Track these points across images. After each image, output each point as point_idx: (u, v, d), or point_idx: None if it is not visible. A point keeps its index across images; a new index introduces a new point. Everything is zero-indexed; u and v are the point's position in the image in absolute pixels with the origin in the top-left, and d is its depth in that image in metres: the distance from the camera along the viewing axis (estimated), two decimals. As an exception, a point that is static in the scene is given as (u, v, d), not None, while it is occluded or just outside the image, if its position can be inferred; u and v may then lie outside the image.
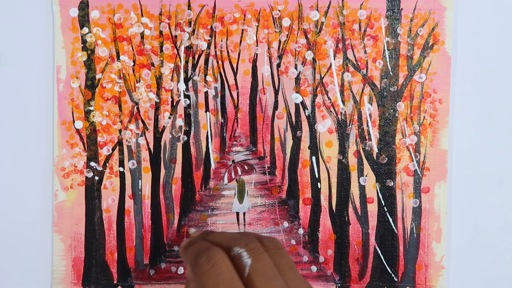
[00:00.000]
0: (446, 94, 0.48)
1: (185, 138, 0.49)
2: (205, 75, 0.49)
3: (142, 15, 0.48)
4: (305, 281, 0.36)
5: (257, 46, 0.48)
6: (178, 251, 0.39)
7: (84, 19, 0.48)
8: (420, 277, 0.48)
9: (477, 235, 0.49)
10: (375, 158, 0.49)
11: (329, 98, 0.49)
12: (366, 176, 0.49)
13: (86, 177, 0.48)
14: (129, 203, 0.49)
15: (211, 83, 0.49)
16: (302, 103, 0.49)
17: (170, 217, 0.49)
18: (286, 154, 0.49)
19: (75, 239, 0.48)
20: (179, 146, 0.49)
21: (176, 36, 0.48)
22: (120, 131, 0.48)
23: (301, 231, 0.49)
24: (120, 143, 0.48)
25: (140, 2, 0.48)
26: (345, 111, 0.49)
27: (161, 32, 0.48)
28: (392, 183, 0.49)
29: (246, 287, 0.34)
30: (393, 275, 0.48)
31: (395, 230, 0.48)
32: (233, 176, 0.49)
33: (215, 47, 0.48)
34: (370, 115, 0.49)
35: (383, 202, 0.49)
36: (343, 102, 0.49)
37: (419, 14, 0.48)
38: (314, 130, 0.49)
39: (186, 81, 0.49)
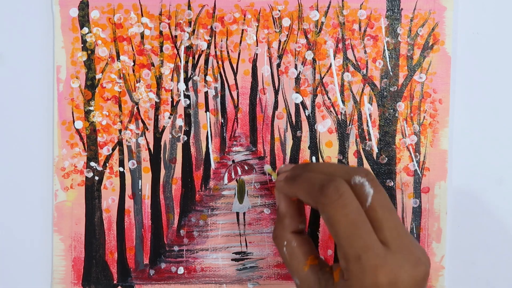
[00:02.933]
0: (446, 94, 0.48)
1: (185, 138, 0.49)
2: (205, 75, 0.49)
3: (142, 15, 0.48)
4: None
5: (257, 46, 0.49)
6: (276, 184, 0.38)
7: (84, 19, 0.48)
8: (420, 277, 0.48)
9: (477, 235, 0.49)
10: (375, 158, 0.49)
11: (329, 98, 0.49)
12: (366, 176, 0.49)
13: (86, 177, 0.48)
14: (129, 203, 0.49)
15: (211, 83, 0.49)
16: (302, 103, 0.49)
17: (170, 217, 0.49)
18: (286, 154, 0.49)
19: (75, 239, 0.48)
20: (179, 146, 0.49)
21: (176, 36, 0.48)
22: (120, 131, 0.48)
23: (301, 231, 0.49)
24: (120, 143, 0.49)
25: (140, 2, 0.48)
26: (345, 111, 0.49)
27: (161, 32, 0.48)
28: (392, 183, 0.49)
29: (367, 217, 0.33)
30: (393, 275, 0.48)
31: (395, 230, 0.48)
32: (233, 176, 0.49)
33: (215, 47, 0.48)
34: (370, 115, 0.49)
35: (383, 202, 0.49)
36: (343, 102, 0.49)
37: (419, 14, 0.48)
38: (314, 130, 0.49)
39: (186, 81, 0.49)
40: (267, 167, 0.43)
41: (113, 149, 0.49)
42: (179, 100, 0.49)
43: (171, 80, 0.48)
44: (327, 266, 0.36)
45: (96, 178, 0.49)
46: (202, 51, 0.48)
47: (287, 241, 0.37)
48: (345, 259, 0.32)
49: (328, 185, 0.33)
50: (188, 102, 0.49)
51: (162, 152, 0.49)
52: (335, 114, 0.49)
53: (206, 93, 0.49)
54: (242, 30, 0.48)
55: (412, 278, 0.32)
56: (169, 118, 0.49)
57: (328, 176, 0.34)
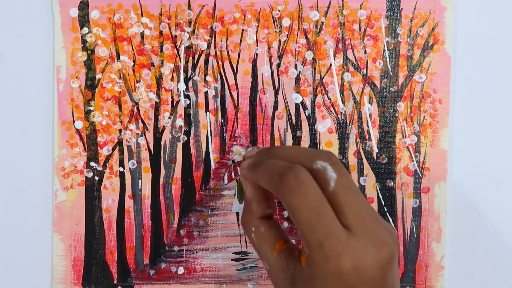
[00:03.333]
0: (446, 94, 0.48)
1: (185, 138, 0.49)
2: (205, 75, 0.49)
3: (142, 15, 0.48)
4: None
5: (257, 46, 0.48)
6: (240, 171, 0.38)
7: (84, 19, 0.48)
8: (420, 277, 0.48)
9: (477, 235, 0.49)
10: (375, 158, 0.49)
11: (329, 98, 0.49)
12: (366, 176, 0.49)
13: (86, 177, 0.48)
14: (129, 203, 0.49)
15: (211, 83, 0.49)
16: (302, 103, 0.49)
17: (170, 217, 0.49)
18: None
19: (75, 239, 0.48)
20: (179, 146, 0.49)
21: (176, 36, 0.48)
22: (120, 131, 0.48)
23: (301, 231, 0.49)
24: (120, 143, 0.49)
25: (140, 2, 0.48)
26: (345, 111, 0.49)
27: (161, 32, 0.48)
28: (392, 183, 0.49)
29: (330, 202, 0.33)
30: (393, 275, 0.48)
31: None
32: (233, 176, 0.49)
33: (215, 47, 0.48)
34: (370, 115, 0.49)
35: (383, 202, 0.49)
36: (343, 102, 0.49)
37: (419, 14, 0.48)
38: (314, 130, 0.49)
39: (186, 81, 0.49)
40: (236, 148, 0.42)
41: (113, 149, 0.49)
42: (179, 100, 0.49)
43: (171, 80, 0.48)
44: (297, 249, 0.35)
45: (96, 178, 0.49)
46: (202, 51, 0.48)
47: (255, 227, 0.36)
48: (308, 247, 0.32)
49: (287, 173, 0.32)
50: (188, 102, 0.49)
51: (162, 152, 0.49)
52: (335, 114, 0.49)
53: (206, 93, 0.49)
54: (242, 30, 0.48)
55: (376, 261, 0.31)
56: (169, 118, 0.49)
57: (288, 164, 0.34)
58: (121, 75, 0.48)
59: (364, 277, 0.31)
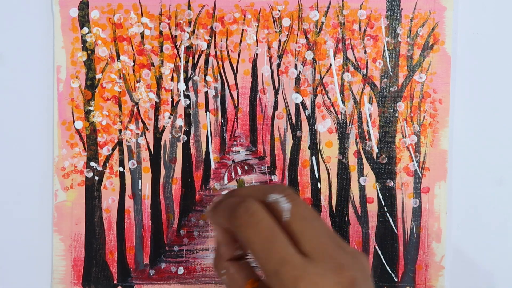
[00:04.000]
0: (446, 94, 0.48)
1: (185, 138, 0.49)
2: (205, 75, 0.49)
3: (142, 15, 0.48)
4: (332, 230, 0.36)
5: (257, 46, 0.48)
6: (205, 213, 0.39)
7: (84, 19, 0.48)
8: (420, 277, 0.48)
9: (477, 235, 0.49)
10: (375, 158, 0.49)
11: (329, 98, 0.49)
12: (366, 176, 0.49)
13: (86, 177, 0.48)
14: (129, 203, 0.49)
15: (211, 83, 0.49)
16: (302, 103, 0.49)
17: (170, 217, 0.49)
18: (286, 154, 0.49)
19: (75, 239, 0.48)
20: (179, 146, 0.49)
21: (176, 36, 0.48)
22: (120, 131, 0.48)
23: (301, 231, 0.49)
24: (120, 143, 0.49)
25: (140, 2, 0.48)
26: (345, 111, 0.49)
27: (161, 32, 0.48)
28: (392, 183, 0.49)
29: (286, 232, 0.33)
30: (393, 275, 0.48)
31: (395, 230, 0.48)
32: (233, 176, 0.49)
33: (215, 47, 0.48)
34: (370, 115, 0.49)
35: (383, 202, 0.49)
36: (343, 102, 0.49)
37: (419, 14, 0.48)
38: (314, 130, 0.49)
39: (186, 81, 0.49)
40: (217, 186, 0.44)
41: (113, 149, 0.49)
42: (179, 100, 0.49)
43: (171, 80, 0.48)
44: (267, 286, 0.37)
45: (96, 178, 0.49)
46: (202, 51, 0.48)
47: (225, 269, 0.37)
48: (266, 276, 0.33)
49: (239, 206, 0.34)
50: (188, 102, 0.49)
51: (162, 152, 0.49)
52: (335, 114, 0.49)
53: (206, 93, 0.49)
54: (242, 30, 0.48)
55: (335, 286, 0.32)
56: (169, 118, 0.49)
57: (241, 198, 0.35)
58: (121, 75, 0.48)
59: None
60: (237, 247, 0.38)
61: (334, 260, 0.33)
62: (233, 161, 0.49)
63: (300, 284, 0.31)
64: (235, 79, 0.49)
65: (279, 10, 0.48)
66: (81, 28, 0.48)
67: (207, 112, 0.49)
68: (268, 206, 0.34)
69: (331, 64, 0.48)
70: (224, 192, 0.40)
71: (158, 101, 0.48)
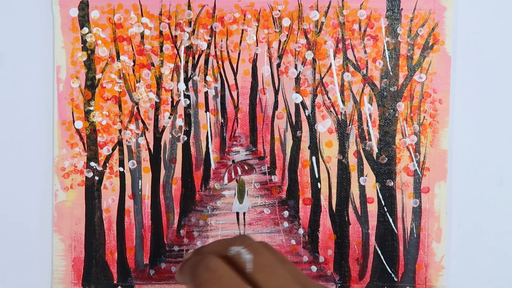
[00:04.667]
0: (446, 94, 0.48)
1: (185, 138, 0.49)
2: (205, 75, 0.49)
3: (142, 15, 0.48)
4: (300, 272, 0.36)
5: (257, 46, 0.49)
6: (175, 275, 0.39)
7: (84, 19, 0.48)
8: (420, 277, 0.48)
9: (477, 235, 0.49)
10: (375, 158, 0.49)
11: (329, 98, 0.49)
12: (366, 176, 0.49)
13: (86, 177, 0.48)
14: (129, 203, 0.49)
15: (211, 83, 0.49)
16: (302, 103, 0.49)
17: (170, 217, 0.49)
18: (286, 154, 0.49)
19: (75, 239, 0.48)
20: (179, 146, 0.49)
21: (176, 36, 0.48)
22: (120, 131, 0.48)
23: (301, 231, 0.49)
24: (120, 143, 0.49)
25: (140, 2, 0.48)
26: (345, 111, 0.49)
27: (161, 32, 0.48)
28: (392, 183, 0.49)
29: (251, 284, 0.33)
30: (393, 275, 0.48)
31: (395, 230, 0.48)
32: (233, 176, 0.49)
33: (215, 47, 0.48)
34: (370, 115, 0.49)
35: (383, 202, 0.49)
36: (343, 102, 0.49)
37: (419, 14, 0.48)
38: (314, 130, 0.49)
39: (186, 81, 0.49)
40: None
41: (113, 149, 0.49)
42: (179, 100, 0.49)
43: (171, 80, 0.48)
44: None
45: (96, 178, 0.49)
46: (202, 51, 0.48)
47: None
48: None
49: (198, 265, 0.34)
50: (188, 102, 0.49)
51: (162, 152, 0.49)
52: (335, 114, 0.49)
53: (206, 93, 0.49)
54: (242, 30, 0.48)
55: None
56: (169, 118, 0.49)
57: (200, 256, 0.35)
58: (121, 75, 0.48)
59: None
60: None
61: None
62: (233, 161, 0.49)
63: None
64: (235, 79, 0.49)
65: (279, 10, 0.48)
66: (81, 28, 0.48)
67: (207, 112, 0.49)
68: (231, 260, 0.34)
69: (331, 64, 0.48)
70: (190, 251, 0.41)
71: (158, 101, 0.48)
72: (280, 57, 0.49)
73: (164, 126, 0.49)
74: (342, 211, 0.49)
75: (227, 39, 0.48)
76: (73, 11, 0.48)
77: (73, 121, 0.48)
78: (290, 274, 0.34)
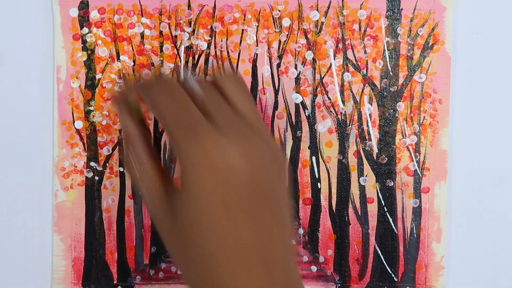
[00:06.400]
0: (446, 94, 0.48)
1: (185, 138, 0.49)
2: (205, 75, 0.48)
3: (142, 15, 0.48)
4: (257, 112, 0.35)
5: (257, 46, 0.49)
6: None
7: (84, 19, 0.48)
8: (420, 277, 0.48)
9: (477, 235, 0.49)
10: (375, 158, 0.49)
11: (329, 98, 0.49)
12: (366, 176, 0.49)
13: (86, 177, 0.48)
14: (129, 203, 0.49)
15: (211, 83, 0.49)
16: (302, 103, 0.49)
17: (170, 217, 0.49)
18: (286, 154, 0.49)
19: (75, 239, 0.48)
20: (179, 146, 0.49)
21: (176, 36, 0.48)
22: (120, 131, 0.48)
23: (301, 231, 0.49)
24: (120, 143, 0.49)
25: (140, 3, 0.48)
26: (345, 111, 0.49)
27: (161, 32, 0.48)
28: (392, 183, 0.49)
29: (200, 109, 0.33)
30: (393, 275, 0.48)
31: (395, 230, 0.48)
32: (233, 176, 0.49)
33: (215, 47, 0.48)
34: (370, 115, 0.49)
35: (383, 202, 0.49)
36: (343, 102, 0.49)
37: (419, 14, 0.48)
38: (314, 130, 0.49)
39: (186, 81, 0.48)
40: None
41: (113, 149, 0.49)
42: (179, 100, 0.49)
43: (171, 80, 0.48)
44: None
45: (96, 178, 0.49)
46: (202, 51, 0.48)
47: (138, 163, 0.36)
48: (177, 149, 0.32)
49: (154, 79, 0.34)
50: (188, 102, 0.49)
51: (162, 152, 0.49)
52: (335, 114, 0.49)
53: (206, 93, 0.49)
54: (242, 30, 0.48)
55: (243, 156, 0.31)
56: (169, 118, 0.49)
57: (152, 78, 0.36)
58: (121, 75, 0.48)
59: (236, 173, 0.31)
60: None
61: (245, 136, 0.32)
62: (233, 161, 0.49)
63: (207, 150, 0.31)
64: (235, 79, 0.49)
65: (279, 10, 0.48)
66: (81, 28, 0.48)
67: (207, 112, 0.49)
68: (183, 86, 0.34)
69: (331, 64, 0.48)
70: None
71: (158, 101, 0.48)
72: (280, 57, 0.49)
73: (164, 126, 0.49)
74: (342, 211, 0.49)
75: (227, 39, 0.48)
76: (73, 11, 0.48)
77: (73, 121, 0.48)
78: (241, 111, 0.34)
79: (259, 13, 0.48)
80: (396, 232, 0.48)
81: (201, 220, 0.31)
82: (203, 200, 0.31)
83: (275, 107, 0.49)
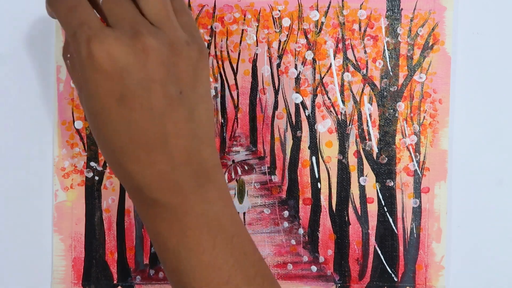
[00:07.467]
0: (446, 94, 0.48)
1: (185, 138, 0.49)
2: None
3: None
4: (166, 9, 0.35)
5: (257, 46, 0.49)
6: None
7: (84, 19, 0.48)
8: (420, 277, 0.48)
9: (477, 235, 0.49)
10: (375, 158, 0.49)
11: (329, 98, 0.49)
12: (366, 176, 0.49)
13: (86, 177, 0.48)
14: (129, 203, 0.49)
15: (211, 83, 0.49)
16: (302, 103, 0.49)
17: (170, 217, 0.49)
18: (286, 154, 0.49)
19: (75, 239, 0.48)
20: (179, 146, 0.49)
21: (176, 36, 0.48)
22: (120, 131, 0.48)
23: (301, 231, 0.49)
24: (120, 143, 0.48)
25: (140, 2, 0.48)
26: (345, 111, 0.49)
27: (161, 32, 0.48)
28: (392, 183, 0.49)
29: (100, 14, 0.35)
30: (393, 275, 0.48)
31: (395, 230, 0.48)
32: (233, 176, 0.49)
33: (215, 47, 0.48)
34: (370, 115, 0.49)
35: (383, 202, 0.49)
36: (343, 102, 0.49)
37: (419, 14, 0.48)
38: (314, 130, 0.49)
39: (186, 81, 0.48)
40: None
41: (113, 149, 0.48)
42: (179, 100, 0.49)
43: (171, 80, 0.48)
44: None
45: (96, 178, 0.49)
46: (202, 51, 0.48)
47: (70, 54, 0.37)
48: (69, 41, 0.34)
49: None
50: (188, 102, 0.49)
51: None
52: (335, 114, 0.49)
53: (206, 93, 0.49)
54: (242, 30, 0.48)
55: (128, 47, 0.33)
56: (169, 118, 0.49)
57: None
58: (121, 75, 0.48)
59: (120, 65, 0.32)
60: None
61: (135, 29, 0.33)
62: (233, 161, 0.49)
63: (92, 44, 0.32)
64: (235, 79, 0.49)
65: (279, 10, 0.48)
66: (81, 28, 0.48)
67: (207, 112, 0.49)
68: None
69: (331, 64, 0.48)
70: None
71: (158, 101, 0.48)
72: (280, 57, 0.49)
73: (164, 126, 0.49)
74: (342, 211, 0.49)
75: (227, 39, 0.48)
76: (73, 11, 0.48)
77: (73, 121, 0.48)
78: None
79: (259, 13, 0.48)
80: (396, 232, 0.48)
81: (98, 116, 0.34)
82: (96, 99, 0.34)
83: (275, 107, 0.49)
